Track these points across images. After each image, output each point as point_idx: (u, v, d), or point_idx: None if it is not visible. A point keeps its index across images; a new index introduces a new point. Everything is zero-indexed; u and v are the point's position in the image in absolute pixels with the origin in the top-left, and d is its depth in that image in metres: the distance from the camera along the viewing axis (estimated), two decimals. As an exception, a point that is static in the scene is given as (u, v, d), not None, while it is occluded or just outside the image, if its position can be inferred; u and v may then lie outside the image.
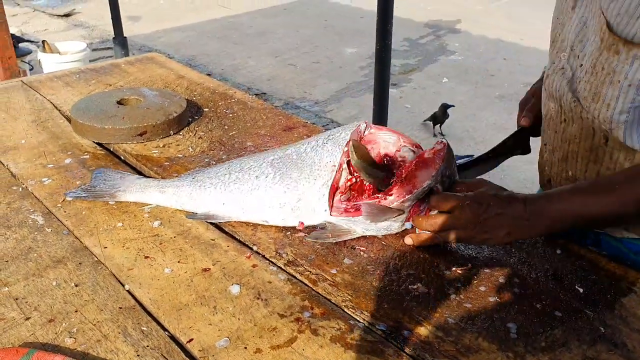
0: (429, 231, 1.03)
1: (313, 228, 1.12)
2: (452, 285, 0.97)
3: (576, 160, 1.13)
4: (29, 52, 4.87)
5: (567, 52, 1.08)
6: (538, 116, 1.27)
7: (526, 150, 1.33)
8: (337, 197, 1.11)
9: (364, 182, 1.12)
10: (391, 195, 1.06)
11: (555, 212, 0.98)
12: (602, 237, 1.16)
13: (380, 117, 3.58)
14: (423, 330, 0.88)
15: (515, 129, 1.33)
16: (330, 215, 1.10)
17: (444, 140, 1.09)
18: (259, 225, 1.14)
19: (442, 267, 1.02)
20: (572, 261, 1.04)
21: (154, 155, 1.41)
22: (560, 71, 1.09)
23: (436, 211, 1.04)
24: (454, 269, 1.01)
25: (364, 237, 1.09)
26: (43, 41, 4.72)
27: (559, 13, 1.12)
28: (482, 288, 0.97)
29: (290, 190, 1.12)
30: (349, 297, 0.95)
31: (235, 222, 1.15)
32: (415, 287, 0.97)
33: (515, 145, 1.31)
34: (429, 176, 1.04)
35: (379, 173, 1.10)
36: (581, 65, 1.03)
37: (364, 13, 7.24)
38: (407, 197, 1.04)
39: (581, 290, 0.96)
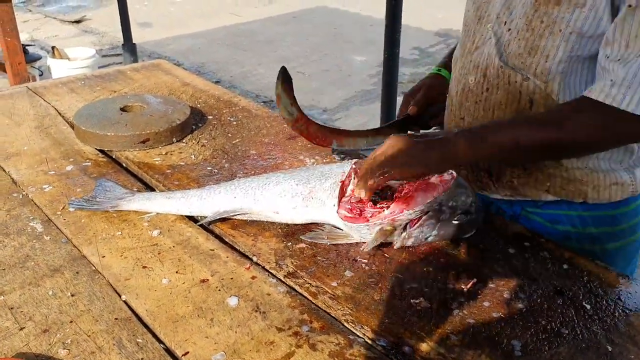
0: (372, 182, 1.02)
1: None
2: (455, 300, 0.95)
3: None
4: (39, 58, 4.90)
5: (492, 22, 1.14)
6: (423, 108, 1.35)
7: None
8: (345, 198, 1.12)
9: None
10: (387, 209, 1.05)
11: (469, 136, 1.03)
12: (520, 212, 1.23)
13: (387, 126, 3.56)
14: (424, 347, 0.85)
15: None
16: (337, 212, 1.10)
17: (454, 173, 1.07)
18: (260, 235, 1.12)
19: (445, 281, 0.99)
20: (579, 276, 1.01)
21: (156, 162, 1.40)
22: (488, 42, 1.15)
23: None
24: (458, 283, 0.99)
25: (367, 250, 1.07)
26: (53, 47, 4.75)
27: None
28: (486, 303, 0.94)
29: (302, 184, 1.15)
30: (349, 310, 0.93)
31: (236, 231, 1.13)
32: (417, 301, 0.95)
33: (398, 130, 1.34)
34: (424, 201, 1.03)
35: (294, 110, 1.14)
36: (509, 29, 1.11)
37: (374, 21, 7.24)
38: (398, 215, 1.03)
39: (588, 306, 0.94)
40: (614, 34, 0.97)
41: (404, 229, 1.05)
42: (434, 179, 1.06)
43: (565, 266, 1.03)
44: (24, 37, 5.52)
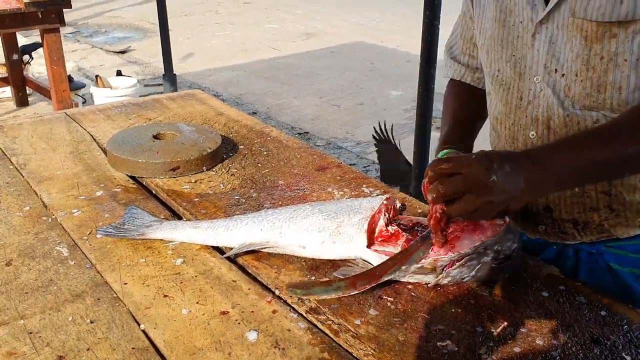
0: (435, 199, 0.93)
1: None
2: (484, 344, 0.90)
3: None
4: (83, 86, 5.06)
5: (540, 74, 1.11)
6: None
7: None
8: (375, 233, 1.09)
9: (400, 231, 1.12)
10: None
11: (564, 162, 0.95)
12: (603, 249, 1.18)
13: (421, 160, 3.52)
14: (450, 393, 0.81)
15: None
16: (367, 247, 1.07)
17: (507, 218, 1.00)
18: (284, 267, 1.10)
19: (474, 324, 0.95)
20: (618, 325, 0.95)
21: (185, 190, 1.40)
22: (541, 94, 1.12)
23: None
24: (488, 326, 0.94)
25: (392, 287, 1.04)
26: (96, 76, 4.89)
27: (512, 51, 1.15)
28: (517, 349, 0.89)
29: (330, 218, 1.13)
30: (372, 351, 0.89)
31: (259, 262, 1.11)
32: (444, 344, 0.90)
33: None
34: (471, 245, 0.98)
35: (341, 284, 1.02)
36: (563, 75, 1.08)
37: (411, 57, 7.26)
38: (441, 257, 0.99)
39: (628, 358, 0.88)
40: None
41: (443, 268, 1.02)
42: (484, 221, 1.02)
43: (603, 313, 0.98)
44: (70, 66, 5.72)
